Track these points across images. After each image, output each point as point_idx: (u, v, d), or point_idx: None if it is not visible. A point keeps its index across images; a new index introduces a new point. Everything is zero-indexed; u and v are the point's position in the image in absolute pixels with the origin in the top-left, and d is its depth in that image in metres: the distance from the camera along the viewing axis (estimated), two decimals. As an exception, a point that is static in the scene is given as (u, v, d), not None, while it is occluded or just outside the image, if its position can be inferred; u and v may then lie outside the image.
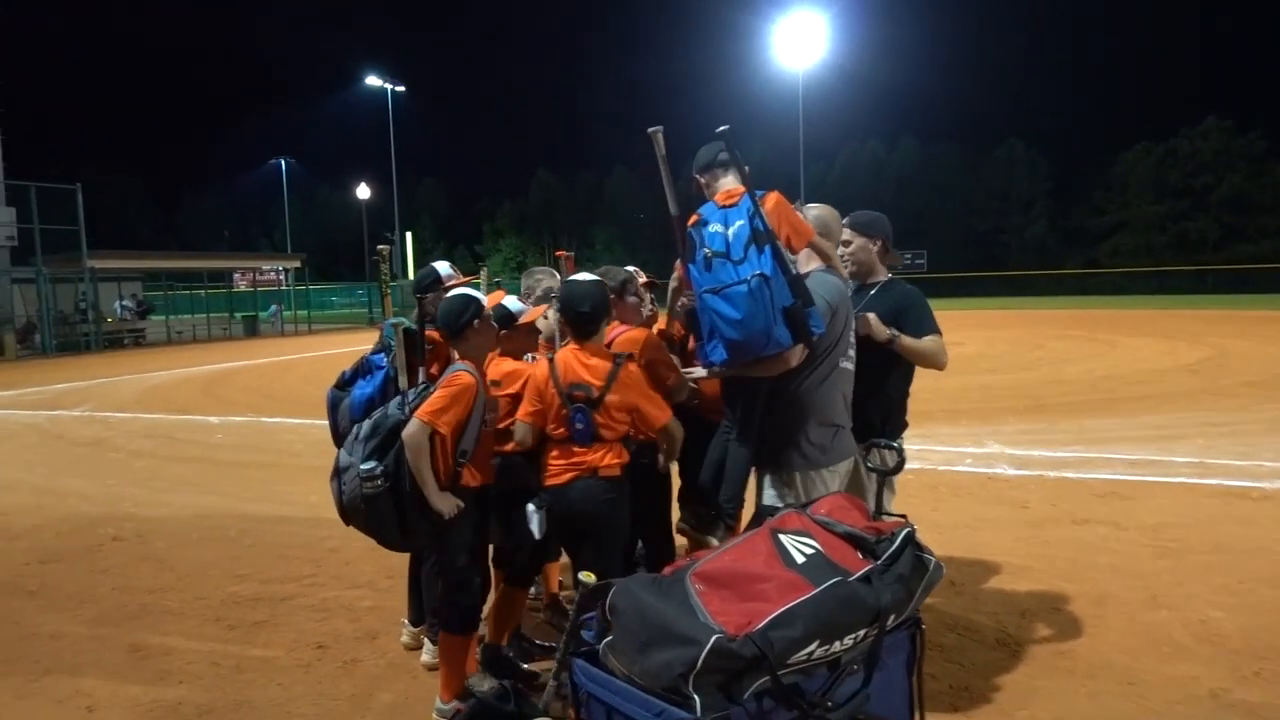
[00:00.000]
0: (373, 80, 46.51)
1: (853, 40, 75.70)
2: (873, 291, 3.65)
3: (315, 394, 14.32)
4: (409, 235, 60.13)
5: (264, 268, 37.16)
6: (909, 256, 47.77)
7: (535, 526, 3.28)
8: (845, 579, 2.42)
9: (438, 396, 3.22)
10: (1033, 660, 3.79)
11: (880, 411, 3.56)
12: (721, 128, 3.21)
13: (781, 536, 2.56)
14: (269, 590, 5.02)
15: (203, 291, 37.48)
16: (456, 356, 3.46)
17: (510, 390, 3.58)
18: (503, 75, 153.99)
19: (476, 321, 3.37)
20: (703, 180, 3.29)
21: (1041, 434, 8.85)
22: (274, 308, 34.69)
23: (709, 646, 2.15)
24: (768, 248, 2.95)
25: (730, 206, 3.10)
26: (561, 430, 3.36)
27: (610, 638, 2.42)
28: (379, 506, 3.16)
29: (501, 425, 3.51)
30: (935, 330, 3.60)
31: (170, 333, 31.38)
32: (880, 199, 64.94)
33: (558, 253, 4.64)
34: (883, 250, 3.71)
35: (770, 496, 3.28)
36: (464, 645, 3.44)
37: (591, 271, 3.73)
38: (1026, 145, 66.96)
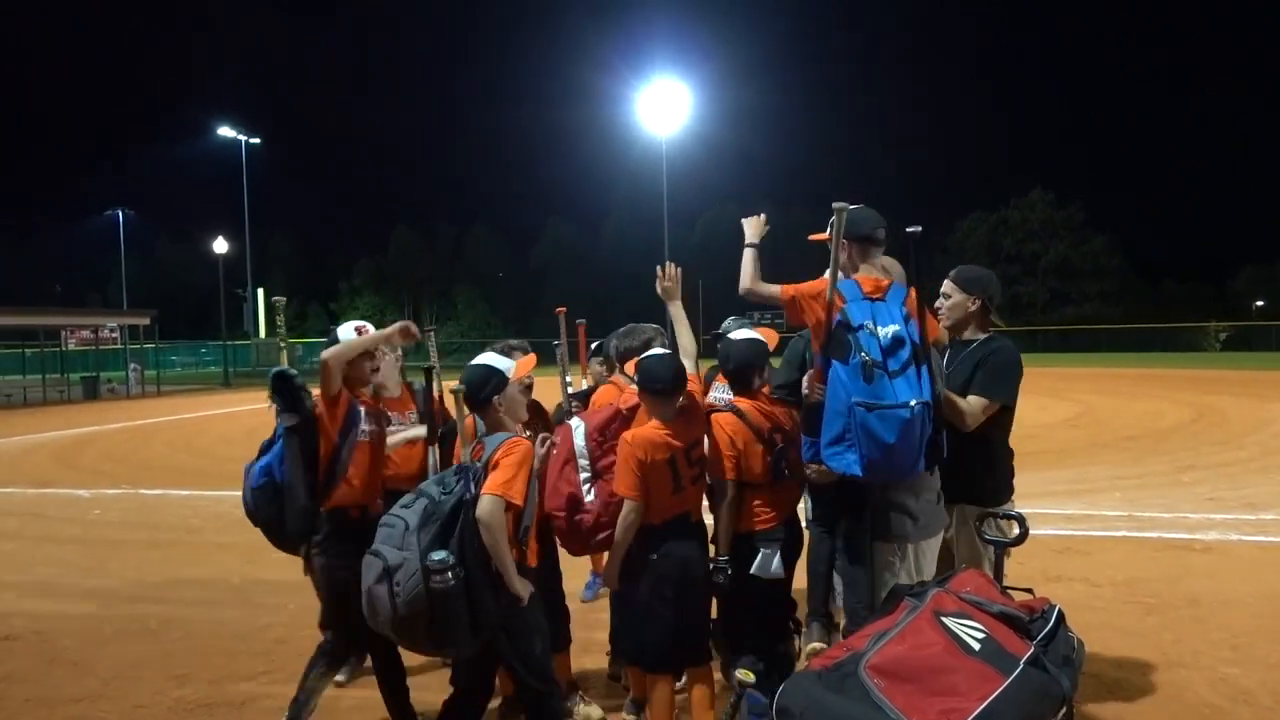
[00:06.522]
0: (225, 131, 44.06)
1: (714, 109, 78.44)
2: (970, 348, 3.51)
3: (193, 463, 13.44)
4: (260, 291, 57.39)
5: (109, 325, 34.19)
6: (768, 316, 48.97)
7: (775, 566, 3.22)
8: (1025, 666, 2.26)
9: (505, 466, 2.87)
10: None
11: (985, 473, 3.47)
12: (913, 228, 2.96)
13: (945, 620, 2.37)
14: (221, 693, 4.41)
15: (29, 350, 34.38)
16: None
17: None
18: (360, 128, 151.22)
19: (498, 396, 3.11)
20: (852, 247, 3.18)
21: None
22: (134, 368, 32.15)
23: (929, 754, 1.93)
24: (924, 368, 2.87)
25: (877, 300, 2.98)
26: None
27: (781, 745, 2.16)
28: (450, 603, 2.70)
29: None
30: (993, 396, 3.39)
31: (-4, 395, 28.50)
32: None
33: (558, 310, 4.37)
34: (981, 310, 3.56)
35: (885, 568, 3.18)
36: None
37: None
38: (873, 212, 70.89)
